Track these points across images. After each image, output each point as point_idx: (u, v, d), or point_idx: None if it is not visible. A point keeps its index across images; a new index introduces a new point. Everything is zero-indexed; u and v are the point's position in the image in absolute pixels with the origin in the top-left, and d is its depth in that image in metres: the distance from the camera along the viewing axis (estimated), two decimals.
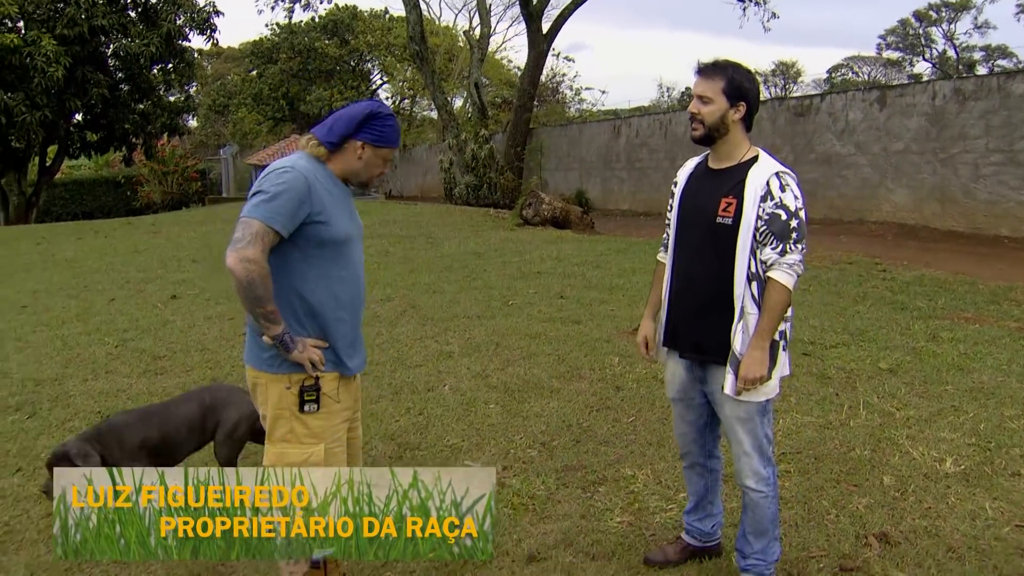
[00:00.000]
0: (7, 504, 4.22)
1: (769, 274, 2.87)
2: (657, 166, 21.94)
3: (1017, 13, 28.44)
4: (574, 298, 8.58)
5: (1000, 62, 49.28)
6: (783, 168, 2.91)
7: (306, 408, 2.85)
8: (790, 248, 2.85)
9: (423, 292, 9.12)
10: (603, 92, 75.48)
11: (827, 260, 10.52)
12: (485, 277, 9.88)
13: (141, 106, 24.26)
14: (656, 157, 22.12)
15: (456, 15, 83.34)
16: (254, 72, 43.82)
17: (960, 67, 49.59)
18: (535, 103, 28.74)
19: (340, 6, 41.74)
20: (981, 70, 47.31)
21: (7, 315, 8.83)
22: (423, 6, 28.67)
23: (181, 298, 9.38)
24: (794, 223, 2.84)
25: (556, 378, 5.85)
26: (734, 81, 2.93)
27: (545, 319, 7.62)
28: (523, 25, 23.54)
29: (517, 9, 24.43)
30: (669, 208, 3.21)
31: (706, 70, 2.98)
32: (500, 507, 3.90)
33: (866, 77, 55.85)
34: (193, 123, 50.28)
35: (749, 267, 2.90)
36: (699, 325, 3.03)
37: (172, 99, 26.77)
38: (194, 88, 47.24)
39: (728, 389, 2.94)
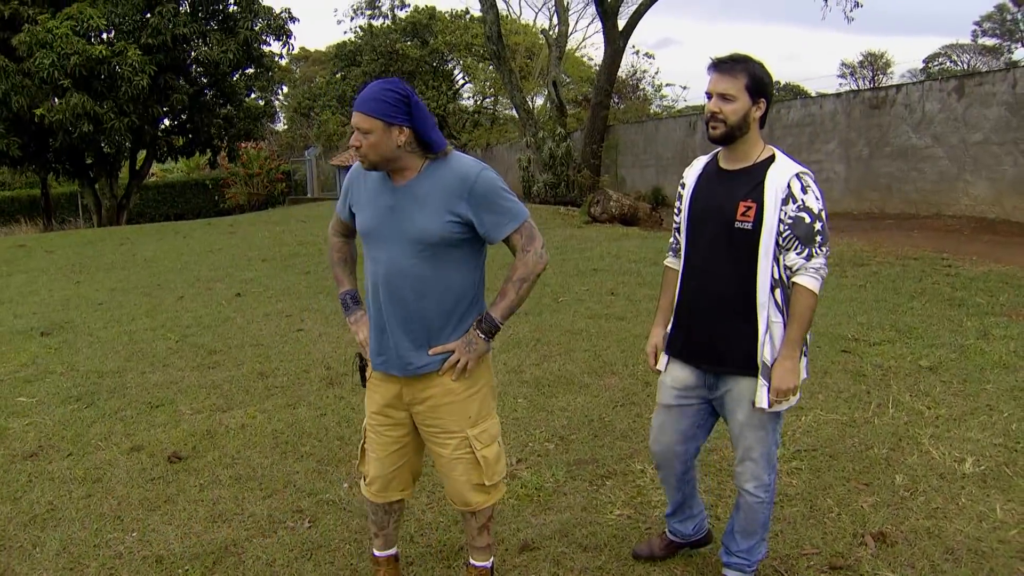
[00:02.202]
0: (54, 485, 4.49)
1: (795, 280, 2.78)
2: None
3: None
4: (624, 295, 8.60)
5: None
6: (802, 168, 2.82)
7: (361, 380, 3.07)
8: (815, 252, 2.76)
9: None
10: (684, 88, 74.61)
11: (891, 255, 10.27)
12: (543, 274, 9.92)
13: (224, 111, 25.03)
14: None
15: (536, 13, 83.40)
16: (339, 75, 44.70)
17: None
18: (614, 100, 28.69)
19: (419, 8, 42.27)
20: None
21: (84, 312, 9.29)
22: (502, 5, 29.02)
23: (245, 296, 9.72)
24: (818, 226, 2.75)
25: (588, 373, 5.90)
26: (756, 76, 2.81)
27: (590, 316, 7.67)
28: (600, 23, 23.45)
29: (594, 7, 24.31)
30: (677, 212, 3.13)
31: (726, 65, 2.83)
32: (506, 499, 3.99)
33: (964, 66, 53.91)
34: (280, 126, 51.66)
35: (772, 274, 2.82)
36: (716, 333, 2.92)
37: (260, 103, 27.52)
38: (284, 91, 48.60)
39: (762, 402, 2.85)
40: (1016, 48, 53.58)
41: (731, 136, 2.84)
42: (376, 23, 39.82)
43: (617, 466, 4.33)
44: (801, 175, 2.77)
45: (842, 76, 58.36)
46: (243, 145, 28.95)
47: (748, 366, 2.87)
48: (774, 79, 2.91)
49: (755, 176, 2.83)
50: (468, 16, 43.61)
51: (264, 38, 24.12)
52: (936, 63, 56.08)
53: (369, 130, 2.68)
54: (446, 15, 43.85)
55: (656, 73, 73.58)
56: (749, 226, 2.79)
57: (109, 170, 23.99)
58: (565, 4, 27.45)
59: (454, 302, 2.83)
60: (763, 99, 2.83)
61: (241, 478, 4.46)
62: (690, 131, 23.93)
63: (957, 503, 3.77)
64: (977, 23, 54.12)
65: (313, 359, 6.69)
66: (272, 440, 4.96)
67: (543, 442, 4.72)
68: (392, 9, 33.07)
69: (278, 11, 24.38)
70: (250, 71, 25.15)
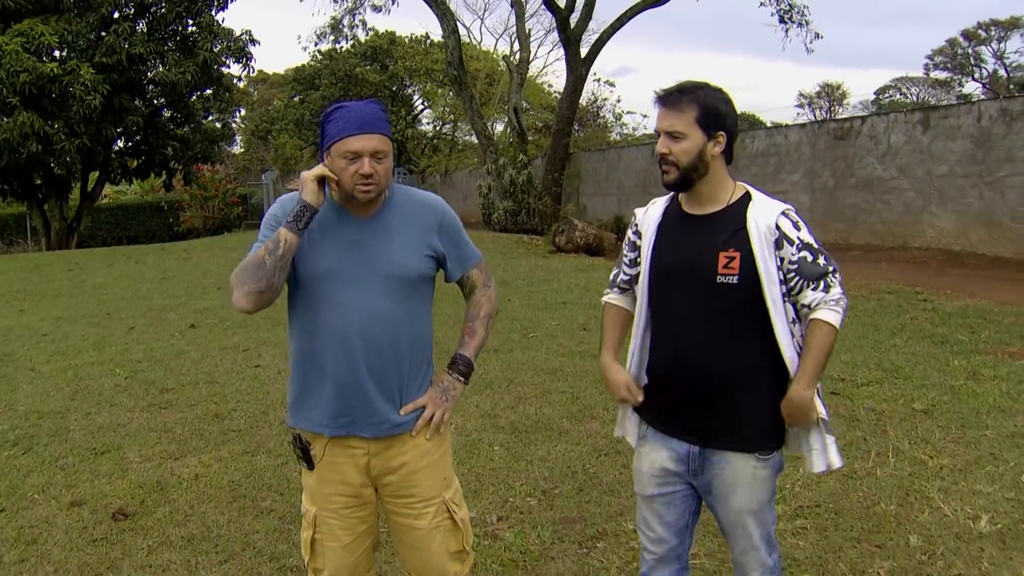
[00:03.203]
0: None
1: (814, 316, 2.39)
2: None
3: None
4: (596, 330, 8.25)
5: None
6: (784, 204, 2.45)
7: (302, 463, 2.59)
8: (831, 282, 2.39)
9: (442, 324, 8.86)
10: (644, 116, 75.06)
11: (865, 289, 10.11)
12: (509, 307, 9.62)
13: (181, 132, 24.47)
14: None
15: (496, 40, 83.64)
16: (297, 98, 44.20)
17: (1011, 87, 48.54)
18: (575, 128, 28.57)
19: (379, 32, 42.02)
20: None
21: (27, 343, 8.78)
22: (463, 31, 28.81)
23: (199, 327, 9.26)
24: (822, 259, 2.39)
25: (567, 418, 5.56)
26: (708, 107, 2.39)
27: (564, 353, 7.35)
28: (563, 50, 23.34)
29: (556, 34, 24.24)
30: (627, 245, 2.70)
31: (671, 98, 2.41)
32: (489, 564, 3.63)
33: (914, 98, 54.92)
34: (237, 149, 50.96)
35: (792, 336, 2.42)
36: (706, 409, 2.48)
37: (217, 125, 27.00)
38: (241, 113, 47.95)
39: (820, 468, 2.46)
40: (967, 82, 54.73)
41: (687, 180, 2.43)
42: (340, 46, 39.43)
43: (607, 525, 3.99)
44: (787, 212, 2.41)
45: (800, 106, 59.20)
46: (200, 167, 28.33)
47: (742, 439, 2.45)
48: (735, 106, 2.47)
49: (732, 220, 2.43)
50: (428, 41, 43.47)
51: (224, 60, 23.65)
52: (887, 95, 57.10)
53: (387, 153, 2.39)
54: (406, 40, 43.66)
55: (618, 101, 74.09)
56: (735, 279, 2.38)
57: (59, 191, 23.30)
58: (527, 31, 27.38)
59: (425, 347, 2.58)
60: (722, 132, 2.41)
61: (194, 538, 4.04)
62: (653, 160, 23.80)
63: (979, 567, 3.49)
64: (929, 57, 55.20)
65: (272, 399, 6.28)
66: (229, 493, 4.55)
67: (525, 497, 4.36)
68: (352, 27, 32.62)
69: (239, 33, 23.96)
70: (208, 92, 24.64)
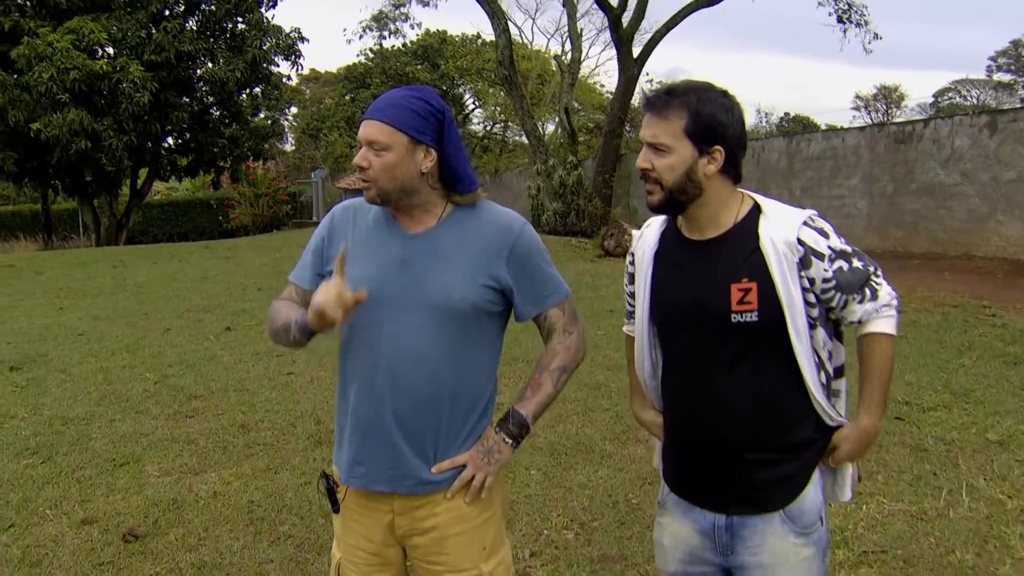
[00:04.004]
0: None
1: (867, 331, 2.01)
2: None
3: None
4: None
5: None
6: (804, 210, 2.02)
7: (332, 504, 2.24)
8: (875, 283, 2.00)
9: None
10: None
11: (928, 302, 9.58)
12: None
13: (230, 130, 24.51)
14: (747, 185, 21.05)
15: (548, 39, 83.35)
16: (348, 96, 44.30)
17: None
18: (627, 129, 28.14)
19: (430, 31, 41.96)
20: None
21: (62, 343, 8.65)
22: (514, 30, 28.56)
23: (235, 330, 9.06)
24: (858, 262, 1.98)
25: (610, 440, 5.21)
26: (702, 116, 1.93)
27: (609, 366, 6.99)
28: (615, 49, 22.94)
29: (608, 33, 23.83)
30: (627, 290, 2.29)
31: (658, 103, 1.97)
32: None
33: (974, 101, 53.44)
34: (288, 146, 51.27)
35: (820, 376, 2.01)
36: (730, 473, 2.05)
37: (268, 123, 27.05)
38: (292, 111, 48.21)
39: (845, 495, 2.11)
40: None
41: (675, 203, 2.00)
42: (386, 44, 39.44)
43: (650, 567, 3.63)
44: (810, 221, 1.98)
45: (855, 108, 57.93)
46: (250, 165, 28.43)
47: (777, 503, 2.03)
48: (743, 114, 2.01)
49: (742, 243, 2.00)
50: (480, 41, 43.29)
51: (272, 57, 23.63)
52: (946, 98, 55.66)
53: (387, 145, 2.00)
54: (457, 39, 43.55)
55: None
56: (754, 317, 1.95)
57: (109, 187, 23.46)
58: (578, 30, 27.01)
59: (475, 398, 2.13)
60: (719, 147, 1.95)
61: (205, 566, 3.77)
62: None
63: None
64: (992, 58, 53.63)
65: (302, 410, 6.01)
66: (247, 515, 4.28)
67: (561, 530, 4.02)
68: (395, 20, 32.48)
69: (288, 30, 23.93)
70: (257, 90, 24.65)
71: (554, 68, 35.71)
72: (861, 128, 18.05)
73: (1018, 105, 40.21)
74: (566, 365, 2.17)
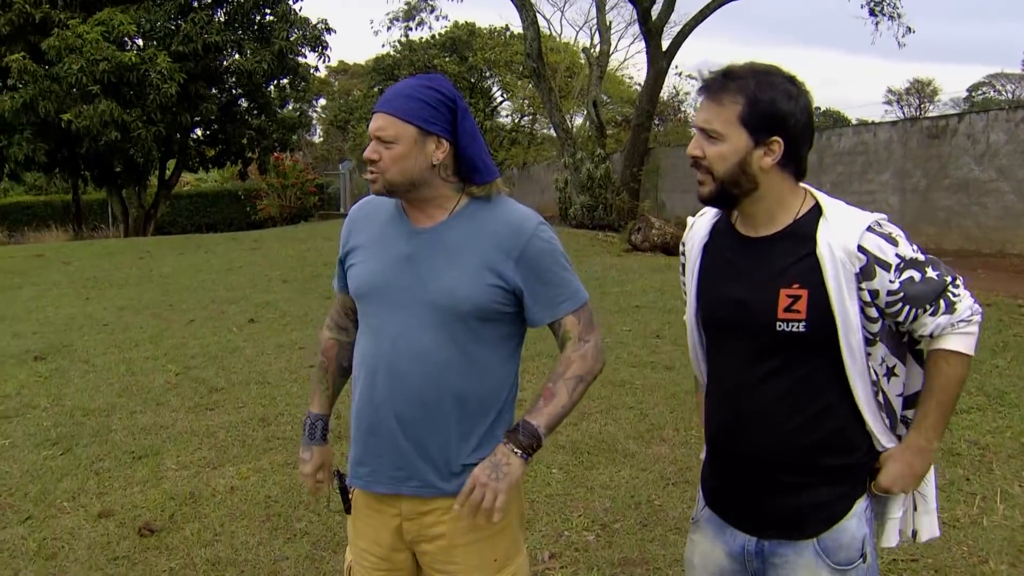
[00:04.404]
0: (2, 559, 3.80)
1: (937, 346, 1.83)
2: None
3: None
4: (671, 338, 7.80)
5: None
6: (870, 215, 1.82)
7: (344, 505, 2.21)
8: (952, 295, 1.81)
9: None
10: None
11: None
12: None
13: (257, 122, 24.58)
14: None
15: (577, 32, 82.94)
16: (376, 88, 44.33)
17: None
18: (655, 123, 27.94)
19: (459, 24, 41.90)
20: None
21: (87, 333, 8.67)
22: (543, 23, 28.44)
23: (259, 322, 9.04)
24: (932, 272, 1.80)
25: (634, 439, 5.11)
26: (761, 102, 1.76)
27: (635, 363, 6.88)
28: (644, 42, 22.75)
29: (637, 27, 23.65)
30: (682, 281, 2.15)
31: (714, 86, 1.81)
32: None
33: (1009, 95, 52.58)
34: (317, 138, 51.41)
35: (877, 395, 1.86)
36: (766, 493, 1.91)
37: (295, 115, 27.10)
38: (321, 103, 48.32)
39: (894, 542, 1.98)
40: None
41: (727, 196, 1.85)
42: (413, 35, 39.43)
43: (672, 571, 3.54)
44: (876, 226, 1.79)
45: (887, 103, 57.19)
46: (279, 156, 28.49)
47: (815, 528, 1.87)
48: (809, 103, 1.84)
49: (797, 245, 1.82)
50: (508, 33, 43.15)
51: (300, 49, 23.64)
52: (980, 92, 54.83)
53: (394, 138, 1.92)
54: (485, 31, 43.44)
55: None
56: (802, 327, 1.79)
57: (137, 178, 23.59)
58: (607, 23, 26.84)
59: (488, 404, 2.03)
60: (777, 138, 1.78)
61: (220, 562, 3.73)
62: None
63: None
64: None
65: None
66: (264, 510, 4.23)
67: (581, 531, 3.94)
68: (422, 13, 32.46)
69: (315, 22, 23.92)
70: (284, 82, 24.69)
71: (583, 61, 35.52)
72: (893, 123, 17.79)
73: None
74: (582, 374, 2.02)
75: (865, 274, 1.76)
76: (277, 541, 3.90)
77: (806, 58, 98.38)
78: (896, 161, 16.56)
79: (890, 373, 1.87)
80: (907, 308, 1.80)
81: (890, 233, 1.80)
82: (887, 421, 1.89)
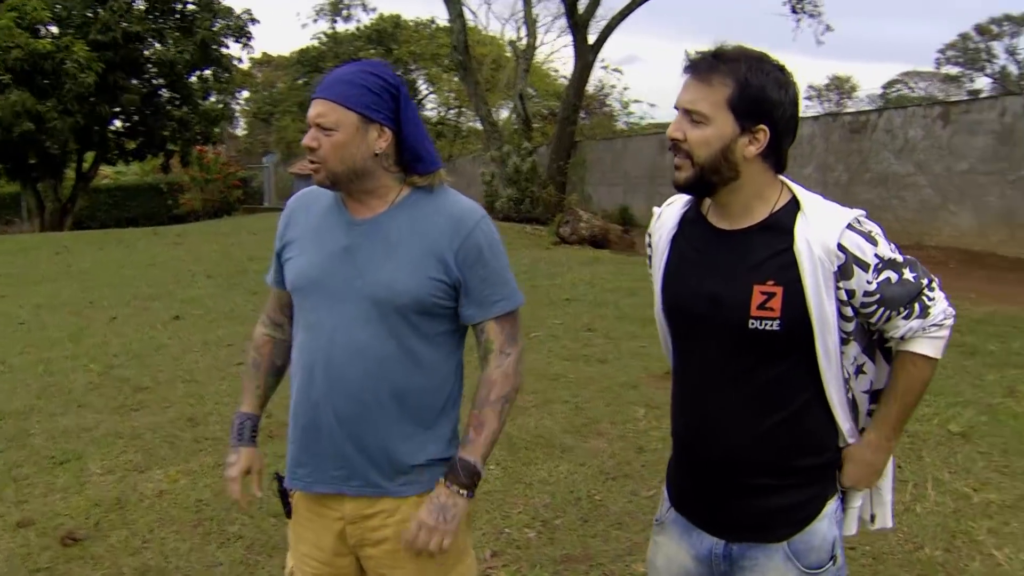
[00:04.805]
0: None
1: (906, 347, 1.80)
2: None
3: None
4: (603, 331, 7.81)
5: None
6: (850, 211, 1.76)
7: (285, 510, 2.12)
8: (927, 300, 1.76)
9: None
10: (651, 105, 74.33)
11: None
12: None
13: (179, 113, 23.97)
14: None
15: (503, 25, 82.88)
16: (300, 80, 43.69)
17: (1022, 83, 47.93)
18: (581, 115, 28.06)
19: (383, 16, 41.55)
20: None
21: (1, 333, 8.32)
22: (469, 15, 28.31)
23: (184, 319, 8.79)
24: (909, 273, 1.75)
25: (571, 433, 5.09)
26: (751, 87, 1.68)
27: (568, 356, 6.87)
28: (570, 36, 22.82)
29: (564, 20, 23.71)
30: (647, 262, 2.06)
31: (701, 65, 1.72)
32: None
33: (922, 92, 54.22)
34: (240, 131, 50.42)
35: (848, 394, 1.82)
36: (735, 495, 1.86)
37: (218, 107, 26.51)
38: (244, 95, 47.40)
39: (853, 530, 1.95)
40: (978, 77, 54.02)
41: (705, 183, 1.75)
42: (339, 27, 38.98)
43: (615, 566, 3.53)
44: (856, 223, 1.73)
45: (808, 99, 58.44)
46: (202, 149, 27.84)
47: (783, 531, 1.83)
48: (797, 95, 1.76)
49: (773, 240, 1.75)
50: (434, 26, 42.94)
51: (223, 39, 23.12)
52: (894, 89, 56.42)
53: (335, 125, 1.84)
54: (411, 24, 43.15)
55: (625, 89, 73.40)
56: (775, 325, 1.71)
57: (53, 171, 22.81)
58: (534, 16, 26.84)
59: (428, 396, 1.97)
60: (763, 126, 1.71)
61: (149, 571, 3.59)
62: (660, 150, 23.34)
63: None
64: (940, 51, 54.42)
65: None
66: (194, 515, 4.09)
67: (522, 528, 3.90)
68: (350, 8, 32.10)
69: (239, 12, 23.45)
70: (207, 73, 24.13)
71: (509, 54, 35.55)
72: (815, 117, 18.16)
73: (965, 97, 40.89)
74: (506, 394, 1.98)
75: (843, 273, 1.71)
76: (210, 547, 3.77)
77: None
78: (819, 155, 16.92)
79: (859, 371, 1.84)
80: (881, 310, 1.75)
81: (870, 232, 1.75)
82: (853, 418, 1.86)
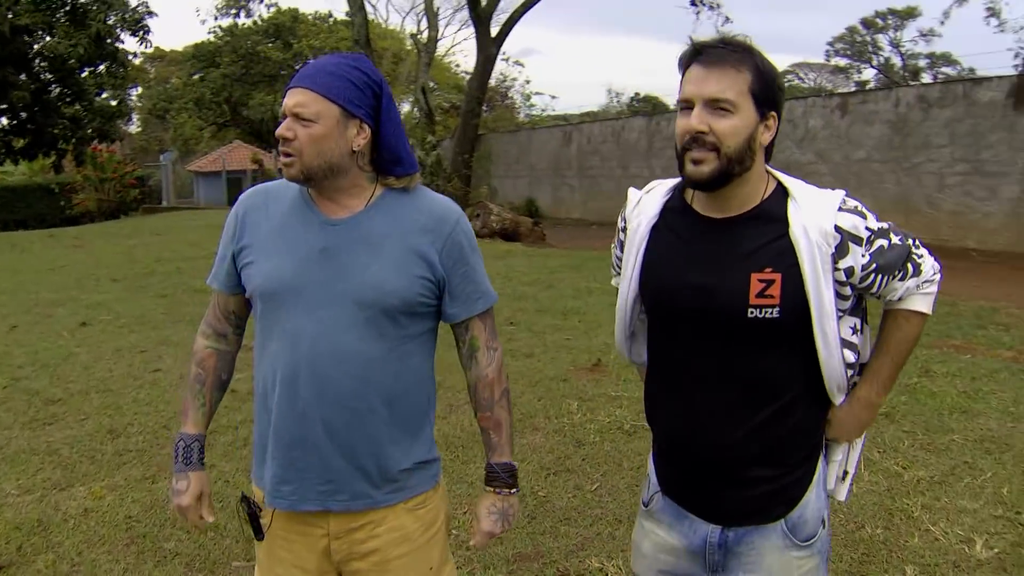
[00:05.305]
0: None
1: (900, 307, 1.81)
2: (610, 174, 21.41)
3: (987, 16, 28.31)
4: (525, 325, 7.82)
5: (944, 69, 49.73)
6: (834, 192, 1.76)
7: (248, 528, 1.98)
8: (916, 256, 1.79)
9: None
10: (553, 97, 75.12)
11: None
12: None
13: (71, 110, 23.00)
14: (608, 165, 21.61)
15: (403, 18, 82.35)
16: (196, 76, 42.52)
17: (905, 74, 49.92)
18: (484, 108, 28.07)
19: (281, 9, 40.74)
20: (925, 77, 47.77)
21: None
22: (369, 9, 27.98)
23: (92, 325, 8.43)
24: (896, 237, 1.76)
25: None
26: (764, 75, 1.68)
27: None
28: (472, 28, 22.79)
29: (466, 12, 23.68)
30: (614, 245, 2.03)
31: (717, 54, 1.67)
32: None
33: (812, 83, 55.97)
34: (134, 128, 48.75)
35: (845, 371, 1.80)
36: (734, 486, 1.83)
37: (112, 103, 25.55)
38: (137, 91, 45.84)
39: (842, 494, 1.91)
40: (865, 68, 56.04)
41: (727, 175, 1.69)
42: (241, 21, 38.07)
43: (568, 563, 3.51)
44: (845, 204, 1.73)
45: None
46: (96, 147, 26.76)
47: (779, 511, 1.83)
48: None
49: (768, 227, 1.74)
50: (332, 19, 42.39)
51: (118, 33, 22.27)
52: (786, 80, 58.05)
53: (315, 116, 1.75)
54: (309, 17, 42.49)
55: (526, 82, 73.72)
56: (775, 312, 1.70)
57: None
58: (435, 9, 26.70)
59: (415, 400, 1.93)
60: (774, 114, 1.72)
61: None
62: (565, 141, 23.55)
63: None
64: (830, 43, 56.23)
65: (174, 410, 5.59)
66: (126, 532, 3.90)
67: (470, 528, 3.84)
68: (250, 2, 31.29)
69: (134, 4, 22.59)
70: (101, 68, 23.22)
71: (410, 47, 35.25)
72: None
73: (854, 88, 42.41)
74: (506, 388, 2.03)
75: (840, 252, 1.71)
76: (146, 566, 3.60)
77: (627, 47, 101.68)
78: None
79: (849, 346, 1.84)
80: (880, 277, 1.75)
81: (856, 207, 1.75)
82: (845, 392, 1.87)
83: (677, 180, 1.89)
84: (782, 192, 1.77)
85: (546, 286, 9.90)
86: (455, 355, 2.03)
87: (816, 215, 1.71)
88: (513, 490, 1.99)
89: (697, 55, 1.70)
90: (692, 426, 1.83)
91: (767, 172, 1.80)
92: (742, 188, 1.75)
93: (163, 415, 5.53)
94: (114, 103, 25.01)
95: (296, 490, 1.88)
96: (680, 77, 1.75)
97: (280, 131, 1.77)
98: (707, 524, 1.87)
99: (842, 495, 1.93)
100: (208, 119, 42.25)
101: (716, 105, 1.66)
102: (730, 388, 1.78)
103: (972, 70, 41.05)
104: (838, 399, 1.83)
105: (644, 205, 1.90)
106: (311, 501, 1.88)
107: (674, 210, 1.86)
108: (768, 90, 1.69)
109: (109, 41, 21.86)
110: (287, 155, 1.77)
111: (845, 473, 1.95)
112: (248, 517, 1.95)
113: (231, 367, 2.08)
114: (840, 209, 1.72)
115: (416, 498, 1.93)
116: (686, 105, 1.70)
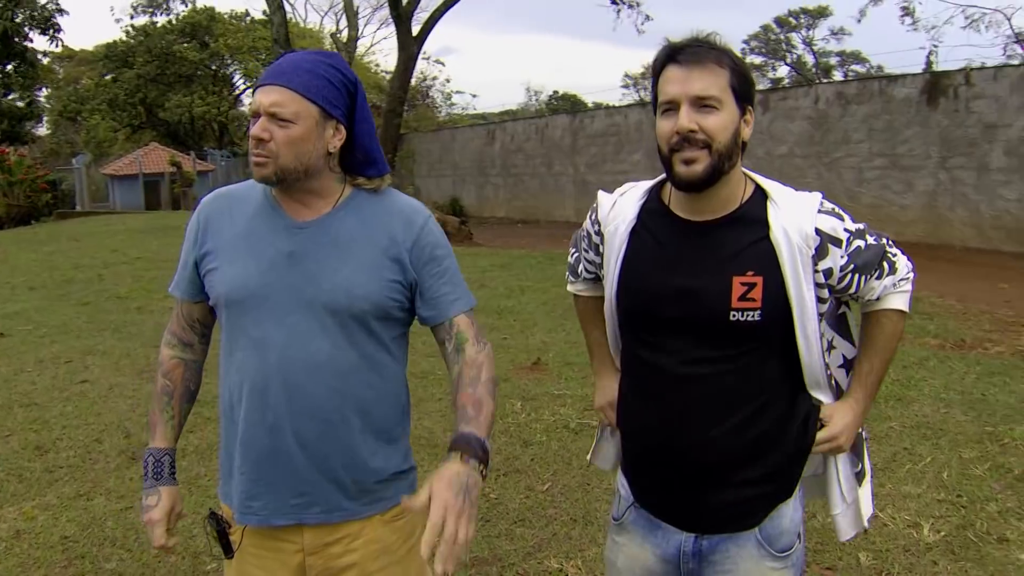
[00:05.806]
0: None
1: (877, 307, 1.82)
2: (534, 172, 21.52)
3: (902, 16, 29.16)
4: None
5: (854, 67, 51.26)
6: (811, 194, 1.76)
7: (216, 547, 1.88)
8: (891, 255, 1.80)
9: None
10: (474, 96, 75.25)
11: None
12: None
13: None
14: (533, 163, 21.71)
15: (322, 17, 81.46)
16: (109, 76, 41.34)
17: (817, 72, 51.27)
18: (405, 108, 27.90)
19: (197, 8, 39.90)
20: (836, 75, 49.16)
21: None
22: (288, 8, 27.54)
23: (10, 336, 8.07)
24: (871, 237, 1.76)
25: (451, 432, 4.99)
26: (740, 71, 1.68)
27: (431, 353, 6.71)
28: (391, 28, 22.63)
29: (385, 11, 23.58)
30: (587, 255, 1.99)
31: (697, 53, 1.66)
32: None
33: None
34: (43, 131, 47.13)
35: (829, 379, 1.81)
36: (711, 493, 1.79)
37: (20, 104, 24.65)
38: (44, 93, 44.34)
39: (849, 535, 1.89)
40: (779, 66, 57.39)
41: (718, 172, 1.66)
42: (156, 20, 37.17)
43: (527, 565, 3.48)
44: (823, 206, 1.73)
45: (625, 87, 60.35)
46: (4, 150, 25.77)
47: (755, 519, 1.81)
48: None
49: (747, 230, 1.73)
50: (249, 18, 41.66)
51: (27, 31, 21.47)
52: None
53: (294, 116, 1.68)
54: (225, 16, 41.68)
55: (447, 81, 73.65)
56: (757, 316, 1.69)
57: None
58: (354, 8, 26.42)
59: (389, 407, 1.86)
60: (750, 106, 1.71)
61: None
62: (488, 140, 23.57)
63: None
64: (745, 42, 57.43)
65: (106, 423, 5.40)
66: (62, 554, 3.73)
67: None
68: (169, 1, 30.63)
69: (43, 1, 21.81)
70: (9, 68, 22.37)
71: (329, 46, 34.84)
72: (643, 104, 18.79)
73: (769, 85, 43.37)
74: (494, 377, 1.84)
75: (820, 254, 1.70)
76: None
77: (542, 44, 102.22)
78: (647, 141, 17.50)
79: (831, 347, 1.85)
80: (857, 277, 1.75)
81: (833, 209, 1.75)
82: (835, 396, 1.86)
83: (650, 182, 1.87)
84: (761, 194, 1.76)
85: (478, 285, 9.87)
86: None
87: (796, 218, 1.71)
88: (483, 468, 1.62)
89: (673, 56, 1.69)
90: (670, 429, 1.80)
91: (744, 174, 1.78)
92: (724, 189, 1.73)
93: (93, 428, 5.32)
94: (22, 104, 24.08)
95: (267, 504, 1.81)
96: (654, 80, 1.73)
97: (255, 131, 1.69)
98: (681, 533, 1.84)
99: (867, 506, 1.91)
100: (123, 121, 41.10)
101: (703, 103, 1.64)
102: (710, 390, 1.75)
103: (881, 68, 42.40)
104: (824, 398, 1.82)
105: (621, 209, 1.86)
106: (284, 515, 1.81)
107: (652, 213, 1.82)
108: (745, 84, 1.68)
109: (17, 40, 21.03)
110: (261, 156, 1.69)
111: (860, 473, 1.92)
112: (217, 534, 1.87)
113: (199, 377, 2.00)
114: (819, 211, 1.72)
115: (393, 509, 1.87)
116: (669, 107, 1.68)
